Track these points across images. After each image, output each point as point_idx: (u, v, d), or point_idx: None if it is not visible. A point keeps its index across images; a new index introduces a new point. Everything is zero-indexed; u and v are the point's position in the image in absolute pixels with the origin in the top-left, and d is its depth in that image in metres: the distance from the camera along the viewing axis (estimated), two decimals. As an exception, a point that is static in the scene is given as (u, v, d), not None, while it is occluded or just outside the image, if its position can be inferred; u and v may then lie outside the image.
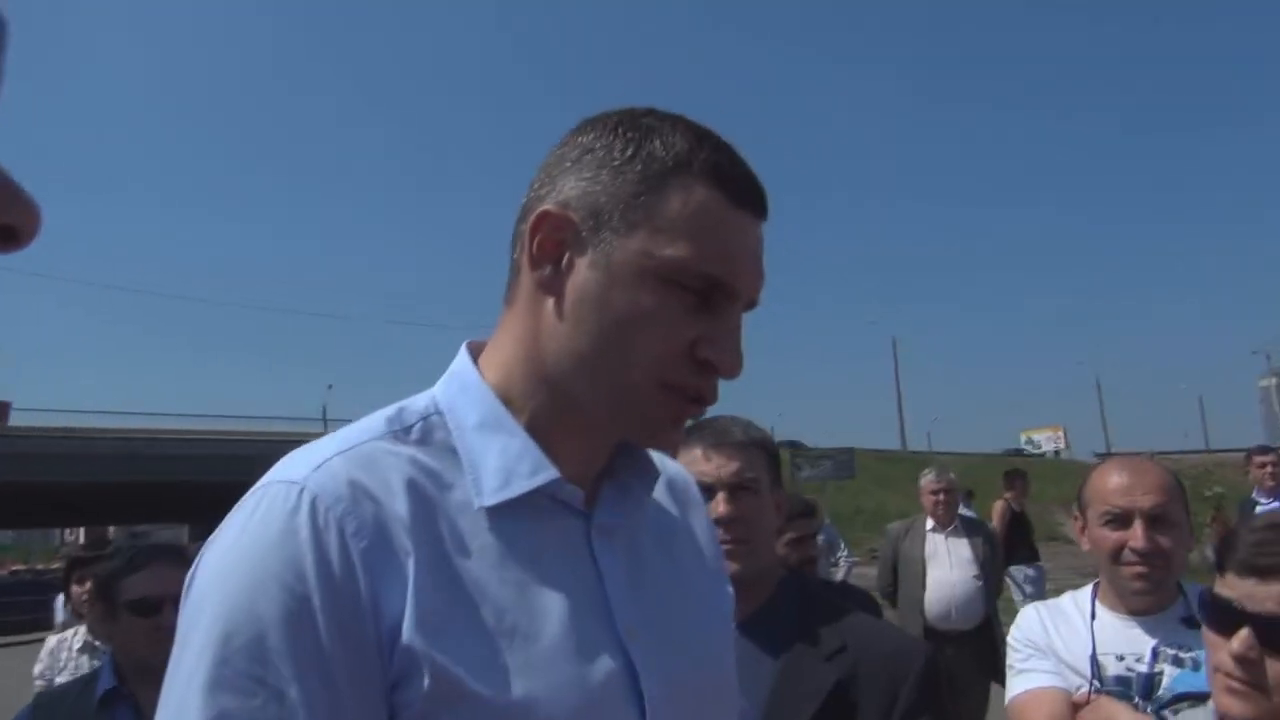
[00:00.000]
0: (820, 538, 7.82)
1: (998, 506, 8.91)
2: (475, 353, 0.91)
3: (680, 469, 1.08)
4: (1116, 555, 1.71)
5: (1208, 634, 1.33)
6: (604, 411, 0.83)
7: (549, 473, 0.82)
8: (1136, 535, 1.68)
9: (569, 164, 0.85)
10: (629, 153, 0.83)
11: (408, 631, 0.72)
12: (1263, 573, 1.25)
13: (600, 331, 0.81)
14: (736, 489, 1.49)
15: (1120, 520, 1.71)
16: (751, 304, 0.87)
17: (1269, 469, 6.40)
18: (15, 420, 31.28)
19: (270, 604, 0.70)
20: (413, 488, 0.78)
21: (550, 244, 0.84)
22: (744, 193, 0.84)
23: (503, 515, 0.81)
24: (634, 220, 0.81)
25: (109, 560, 2.19)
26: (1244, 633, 1.24)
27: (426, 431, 0.84)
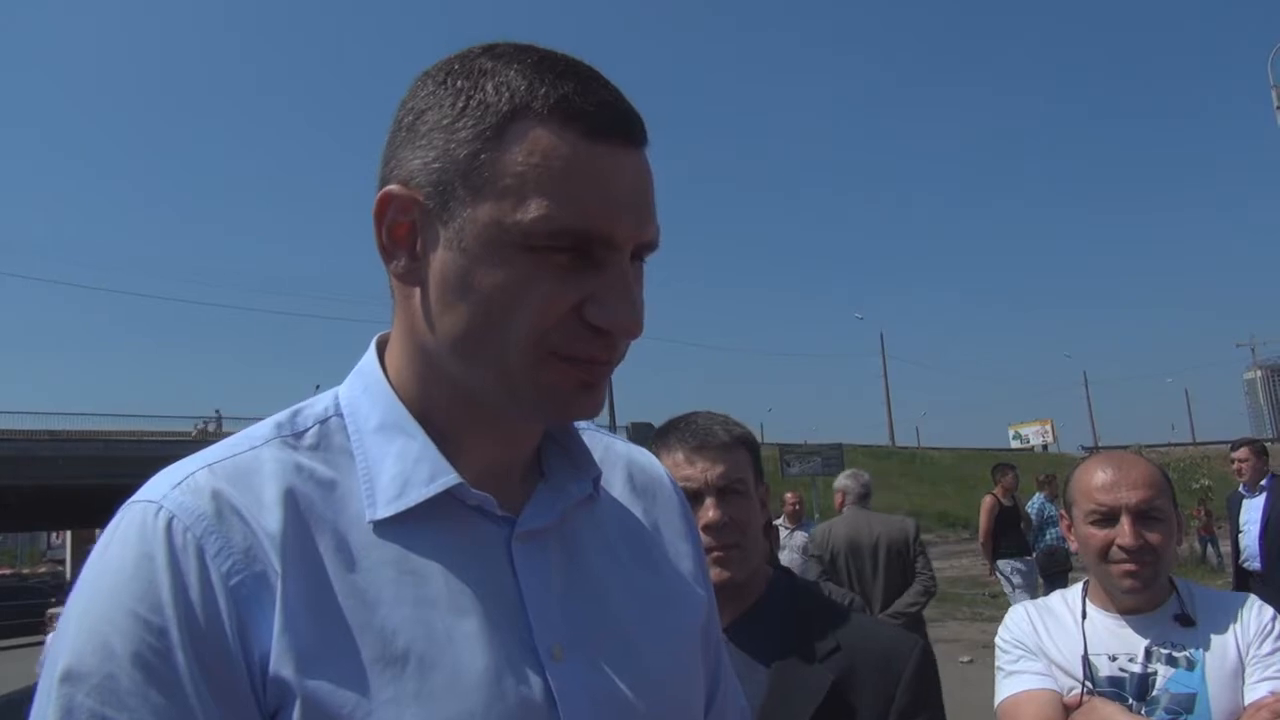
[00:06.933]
0: (804, 534, 7.84)
1: (986, 501, 8.87)
2: (383, 347, 0.84)
3: (649, 460, 1.00)
4: (1104, 554, 1.66)
5: None
6: (501, 400, 0.75)
7: (448, 477, 0.75)
8: (1124, 533, 1.63)
9: (404, 132, 0.75)
10: (460, 106, 0.72)
11: (277, 660, 0.66)
12: None
13: (471, 318, 0.72)
14: (725, 492, 1.43)
15: (1107, 518, 1.66)
16: (645, 248, 0.75)
17: (1237, 465, 6.47)
18: (-2, 424, 31.10)
19: (124, 639, 0.64)
20: (293, 500, 0.72)
21: (400, 229, 0.75)
22: (603, 122, 0.71)
23: (403, 526, 0.74)
24: (477, 186, 0.70)
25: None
26: None
27: (323, 436, 0.78)
